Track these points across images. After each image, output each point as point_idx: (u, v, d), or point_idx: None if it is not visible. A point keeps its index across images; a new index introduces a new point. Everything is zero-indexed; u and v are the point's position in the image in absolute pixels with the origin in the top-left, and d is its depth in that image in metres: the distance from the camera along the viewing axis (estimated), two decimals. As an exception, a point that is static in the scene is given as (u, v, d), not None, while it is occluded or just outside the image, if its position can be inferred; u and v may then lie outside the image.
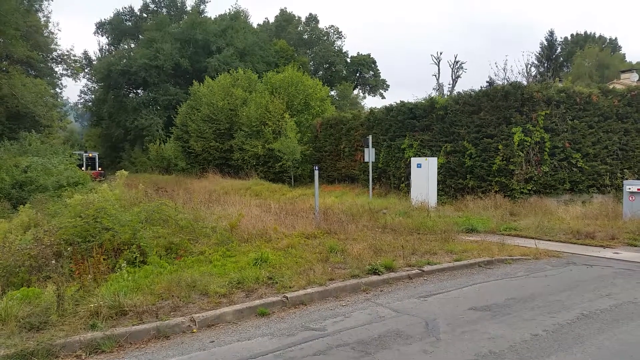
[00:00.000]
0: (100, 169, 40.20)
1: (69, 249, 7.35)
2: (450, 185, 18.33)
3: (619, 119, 17.57)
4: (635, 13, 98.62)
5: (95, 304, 5.60)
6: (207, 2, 61.91)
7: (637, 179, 16.89)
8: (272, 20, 69.87)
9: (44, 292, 5.93)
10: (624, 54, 61.01)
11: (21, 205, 12.28)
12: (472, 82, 55.18)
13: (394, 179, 21.20)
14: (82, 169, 36.00)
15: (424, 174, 16.67)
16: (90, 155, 40.53)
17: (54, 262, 6.90)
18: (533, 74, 41.66)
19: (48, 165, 18.05)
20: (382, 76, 70.71)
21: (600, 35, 61.67)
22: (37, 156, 20.08)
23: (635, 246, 10.54)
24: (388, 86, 71.11)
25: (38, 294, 5.96)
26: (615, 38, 63.28)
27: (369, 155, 18.81)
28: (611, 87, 19.23)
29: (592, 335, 5.19)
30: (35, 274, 6.94)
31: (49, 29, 35.78)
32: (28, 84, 29.18)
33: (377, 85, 70.26)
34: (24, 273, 6.92)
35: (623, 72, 37.27)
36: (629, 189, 13.56)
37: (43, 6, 35.19)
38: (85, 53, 62.91)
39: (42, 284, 6.49)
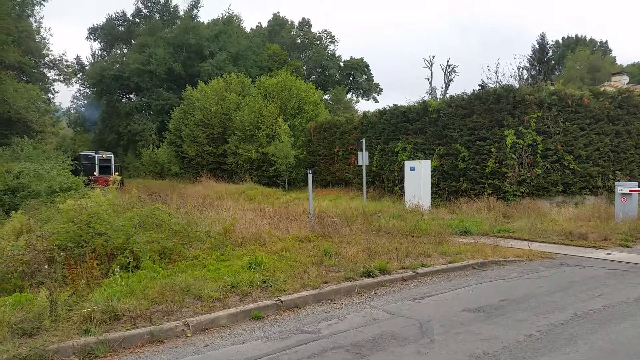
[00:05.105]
0: (117, 173, 32.46)
1: (61, 254, 7.30)
2: (444, 188, 18.38)
3: (610, 121, 17.70)
4: (626, 16, 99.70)
5: (88, 309, 5.57)
6: (200, 6, 61.96)
7: (629, 180, 17.01)
8: (265, 24, 70.13)
9: (37, 298, 5.90)
10: (615, 56, 61.75)
11: (13, 211, 12.19)
12: (464, 85, 55.94)
13: (388, 182, 21.24)
14: (95, 174, 31.54)
15: (418, 177, 16.72)
16: (104, 156, 34.48)
17: (46, 267, 6.88)
18: (525, 77, 41.90)
19: (40, 171, 17.89)
20: (375, 80, 71.15)
21: (591, 39, 62.38)
22: (30, 162, 19.94)
23: (628, 247, 10.62)
24: (381, 90, 71.49)
25: (31, 300, 5.92)
26: (606, 41, 64.02)
27: (363, 158, 18.84)
28: (602, 89, 19.37)
29: (585, 335, 5.22)
30: (28, 280, 6.89)
31: (41, 34, 35.48)
32: (20, 89, 28.98)
33: (370, 89, 70.55)
34: (17, 279, 6.87)
35: (614, 74, 37.62)
36: (621, 190, 13.66)
37: (35, 11, 34.96)
38: (77, 58, 62.67)
39: (35, 290, 6.45)
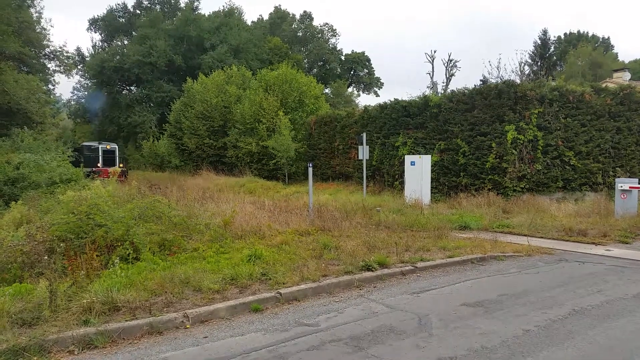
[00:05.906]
0: (122, 165, 32.66)
1: (61, 245, 7.31)
2: (444, 183, 18.38)
3: (611, 117, 17.69)
4: (628, 13, 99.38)
5: (88, 299, 5.58)
6: (201, -2, 61.73)
7: (629, 177, 17.01)
8: (266, 17, 69.90)
9: (37, 288, 5.91)
10: (617, 53, 61.56)
11: (13, 202, 12.19)
12: (466, 80, 55.84)
13: (388, 176, 21.23)
14: (98, 165, 31.04)
15: (418, 171, 16.71)
16: (108, 147, 33.45)
17: (46, 258, 6.88)
18: (526, 72, 41.76)
19: (40, 162, 17.89)
20: (377, 74, 70.96)
21: (593, 35, 62.07)
22: (30, 153, 19.91)
23: (627, 243, 10.64)
24: (382, 84, 71.35)
25: (30, 290, 5.93)
26: (608, 37, 63.75)
27: (363, 152, 18.81)
28: (604, 85, 19.37)
29: (584, 330, 5.23)
30: (28, 270, 6.91)
31: (41, 24, 35.20)
32: (20, 80, 28.88)
33: (371, 83, 70.41)
34: (16, 269, 6.89)
35: (615, 71, 37.48)
36: (621, 187, 13.67)
37: (35, 2, 34.79)
38: (78, 49, 62.41)
39: (35, 280, 6.46)
